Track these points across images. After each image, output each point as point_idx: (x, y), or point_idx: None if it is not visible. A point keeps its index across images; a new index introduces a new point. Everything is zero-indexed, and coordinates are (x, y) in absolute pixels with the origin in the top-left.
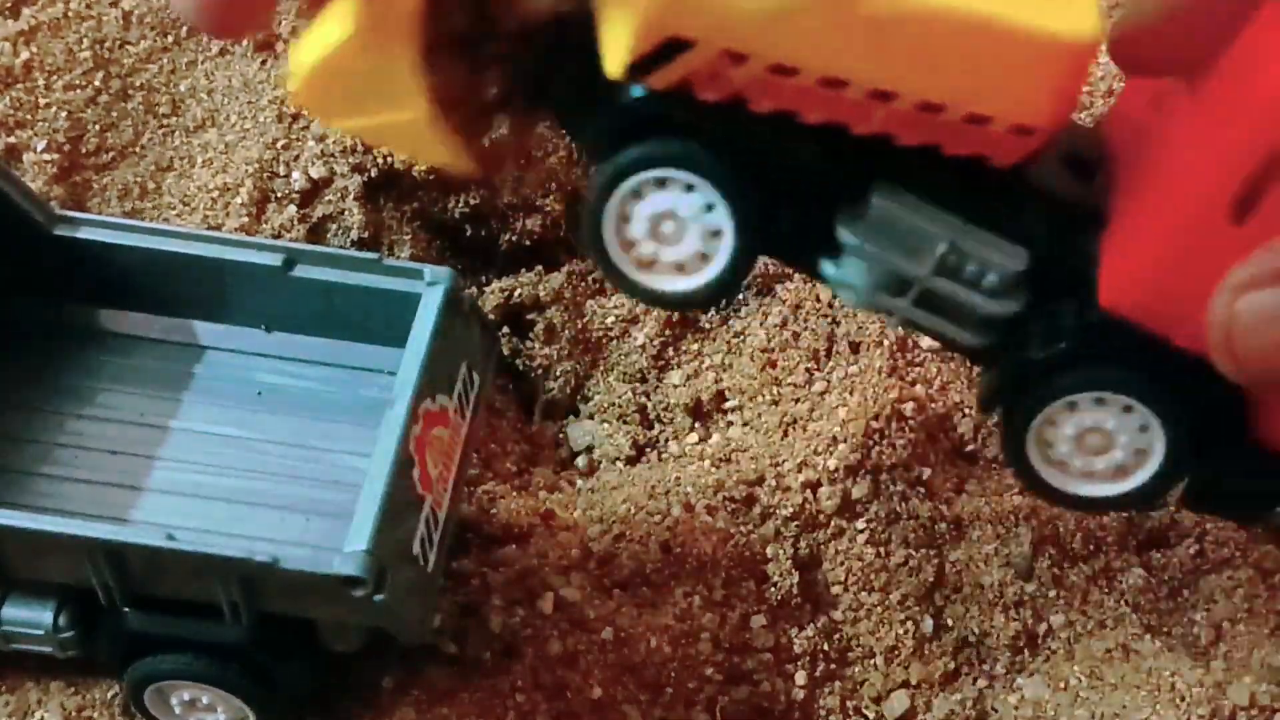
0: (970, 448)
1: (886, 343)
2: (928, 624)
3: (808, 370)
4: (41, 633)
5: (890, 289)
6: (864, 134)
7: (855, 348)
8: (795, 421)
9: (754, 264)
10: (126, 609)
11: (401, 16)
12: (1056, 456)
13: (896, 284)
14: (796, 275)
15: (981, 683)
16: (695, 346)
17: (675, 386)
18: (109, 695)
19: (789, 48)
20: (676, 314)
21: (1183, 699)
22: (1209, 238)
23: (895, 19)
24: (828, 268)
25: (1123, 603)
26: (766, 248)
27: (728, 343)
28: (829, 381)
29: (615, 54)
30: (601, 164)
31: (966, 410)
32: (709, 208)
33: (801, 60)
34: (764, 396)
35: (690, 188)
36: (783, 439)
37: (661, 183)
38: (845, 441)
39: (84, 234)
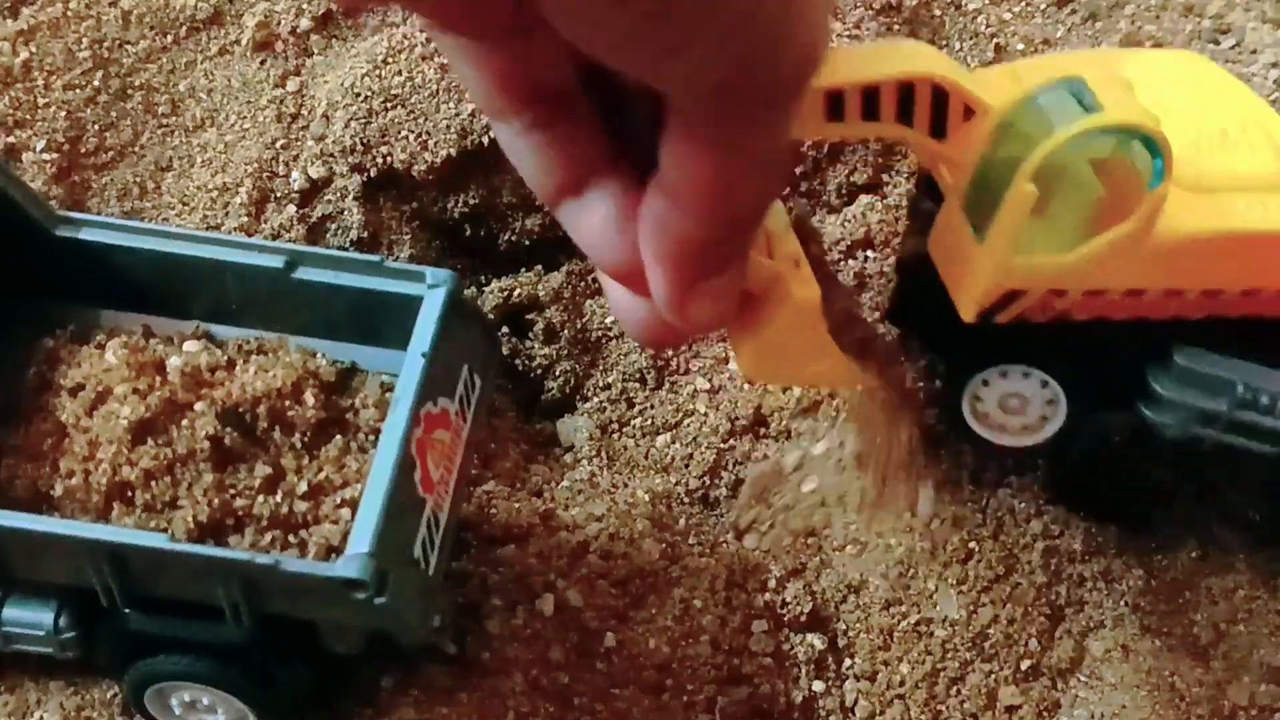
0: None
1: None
2: (929, 625)
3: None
4: (42, 633)
5: (1200, 422)
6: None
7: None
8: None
9: (1089, 418)
10: (127, 610)
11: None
12: None
13: (1204, 418)
14: None
15: (983, 685)
16: (695, 347)
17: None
18: (109, 695)
19: (1097, 280)
20: None
21: (1183, 699)
22: None
23: (1178, 245)
24: (1147, 411)
25: (1123, 603)
26: (1096, 403)
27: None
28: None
29: (967, 307)
30: (956, 365)
31: None
32: (1044, 384)
33: (1107, 284)
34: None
35: (1027, 374)
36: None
37: (1004, 373)
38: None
39: (85, 235)
